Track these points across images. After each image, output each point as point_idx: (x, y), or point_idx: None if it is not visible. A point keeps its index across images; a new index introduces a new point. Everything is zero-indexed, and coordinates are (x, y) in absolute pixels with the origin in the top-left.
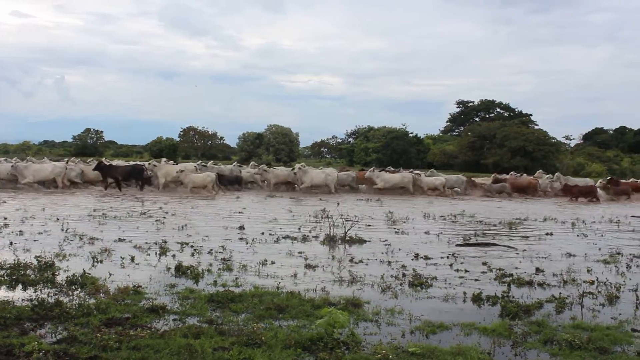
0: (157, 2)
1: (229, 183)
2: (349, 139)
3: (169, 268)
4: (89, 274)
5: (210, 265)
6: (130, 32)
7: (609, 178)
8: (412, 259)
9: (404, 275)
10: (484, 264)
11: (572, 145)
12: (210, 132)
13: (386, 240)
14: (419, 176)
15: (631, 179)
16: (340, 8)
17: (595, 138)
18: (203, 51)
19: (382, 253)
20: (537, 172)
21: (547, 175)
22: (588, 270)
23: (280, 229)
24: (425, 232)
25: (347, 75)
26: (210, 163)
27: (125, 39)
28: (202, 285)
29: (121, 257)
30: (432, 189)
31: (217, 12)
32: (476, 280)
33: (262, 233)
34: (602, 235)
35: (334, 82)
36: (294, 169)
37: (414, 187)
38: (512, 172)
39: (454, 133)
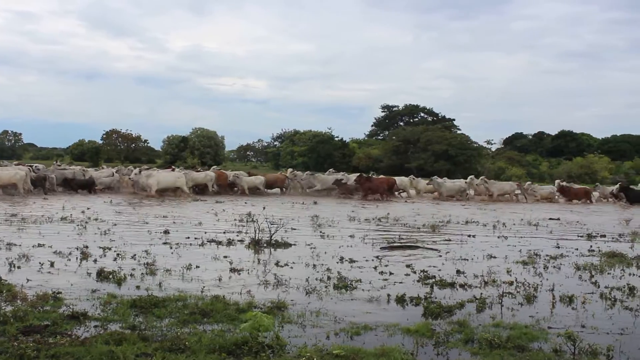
0: (79, 1)
1: (79, 187)
2: (275, 143)
3: (90, 273)
4: (6, 280)
5: (133, 270)
6: (51, 32)
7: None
8: (337, 262)
9: (329, 278)
10: (408, 266)
11: (493, 149)
12: (134, 135)
13: (312, 243)
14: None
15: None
16: (266, 11)
17: (515, 143)
18: (127, 52)
19: (308, 256)
20: (469, 177)
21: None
22: (508, 271)
23: (206, 233)
24: (351, 236)
25: (273, 79)
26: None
27: (47, 38)
28: (124, 291)
29: (40, 263)
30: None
31: (141, 13)
32: (400, 282)
33: (187, 237)
34: (521, 237)
35: (260, 85)
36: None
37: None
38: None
39: (379, 137)
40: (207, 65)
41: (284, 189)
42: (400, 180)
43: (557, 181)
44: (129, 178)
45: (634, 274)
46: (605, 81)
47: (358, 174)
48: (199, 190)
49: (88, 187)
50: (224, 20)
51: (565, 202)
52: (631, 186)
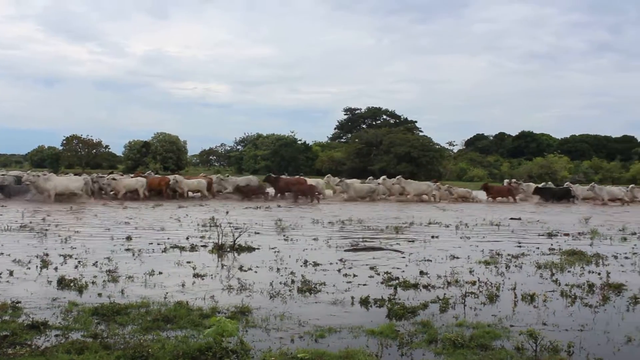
0: (37, 5)
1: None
2: (238, 147)
3: (51, 282)
4: None
5: (95, 277)
6: (9, 37)
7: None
8: (301, 266)
9: (293, 281)
10: (372, 268)
11: (455, 151)
12: (94, 141)
13: (275, 247)
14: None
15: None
16: (228, 15)
17: (477, 144)
18: (87, 57)
19: (272, 260)
20: (382, 177)
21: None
22: (470, 272)
23: (168, 238)
24: (314, 239)
25: (235, 83)
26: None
27: (4, 43)
28: (86, 298)
29: None
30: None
31: (101, 18)
32: (364, 284)
33: (150, 243)
34: (483, 237)
35: (222, 89)
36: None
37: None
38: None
39: (342, 140)
40: (168, 69)
41: (208, 193)
42: (316, 181)
43: (505, 180)
44: (27, 182)
45: (593, 272)
46: (565, 82)
47: (267, 175)
48: (131, 195)
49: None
50: (185, 24)
51: (490, 200)
52: (547, 185)
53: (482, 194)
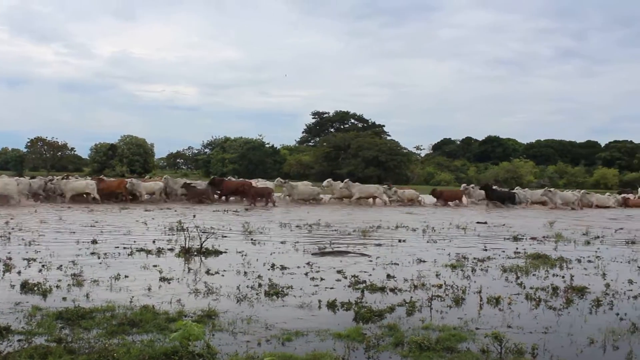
0: (2, 4)
1: None
2: (206, 150)
3: (14, 285)
4: None
5: (60, 281)
6: None
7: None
8: (269, 269)
9: (260, 285)
10: (339, 271)
11: (422, 155)
12: (60, 143)
13: (243, 251)
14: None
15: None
16: (197, 18)
17: (444, 148)
18: (52, 58)
19: (239, 264)
20: (326, 180)
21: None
22: (437, 275)
23: (135, 242)
24: (282, 242)
25: (203, 85)
26: None
27: None
28: (50, 302)
29: None
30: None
31: (67, 18)
32: (331, 288)
33: (116, 247)
34: (450, 241)
35: (190, 92)
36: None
37: None
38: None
39: (310, 143)
40: (136, 71)
41: (161, 195)
42: (263, 183)
43: (463, 185)
44: None
45: (557, 275)
46: (531, 88)
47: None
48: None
49: None
50: (152, 26)
51: (440, 205)
52: (494, 187)
53: (430, 198)
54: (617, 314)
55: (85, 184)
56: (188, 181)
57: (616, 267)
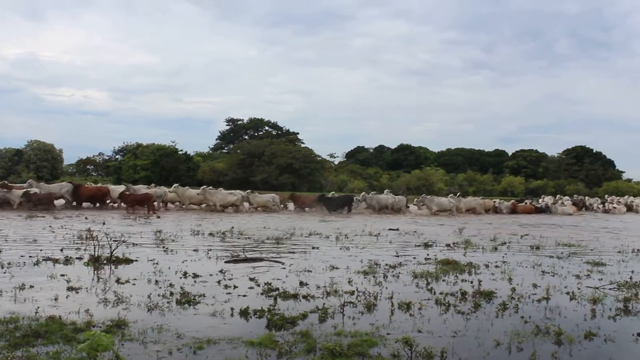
0: None
1: None
2: (117, 156)
3: None
4: None
5: None
6: None
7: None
8: (181, 277)
9: (171, 293)
10: (252, 279)
11: (336, 162)
12: None
13: (154, 259)
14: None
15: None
16: (107, 20)
17: (357, 156)
18: None
19: (150, 272)
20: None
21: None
22: (349, 282)
23: (42, 250)
24: (194, 250)
25: (115, 90)
26: None
27: None
28: None
29: None
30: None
31: None
32: (244, 295)
33: (22, 256)
34: (362, 248)
35: (100, 96)
36: None
37: None
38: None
39: (224, 151)
40: (43, 74)
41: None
42: (113, 189)
43: (363, 193)
44: None
45: (466, 280)
46: (441, 98)
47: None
48: None
49: None
50: (61, 28)
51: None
52: (329, 195)
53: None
54: (522, 317)
55: None
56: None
57: (522, 271)
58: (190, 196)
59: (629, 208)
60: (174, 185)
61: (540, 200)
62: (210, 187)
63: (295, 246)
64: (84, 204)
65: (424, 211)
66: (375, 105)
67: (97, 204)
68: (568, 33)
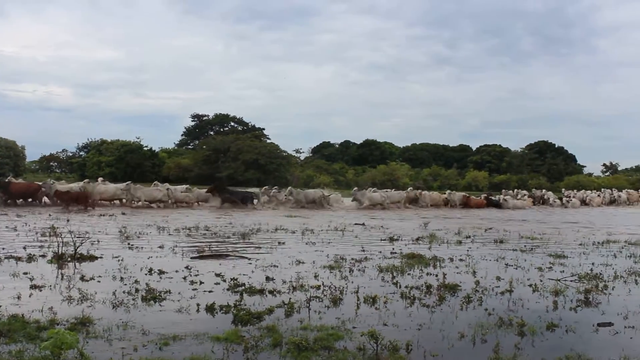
0: None
1: None
2: (81, 153)
3: None
4: None
5: None
6: None
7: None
8: (146, 274)
9: (137, 290)
10: (218, 275)
11: (302, 158)
12: None
13: (119, 256)
14: None
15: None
16: (70, 15)
17: (323, 151)
18: None
19: (115, 269)
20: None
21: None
22: (315, 276)
23: (3, 248)
24: (160, 246)
25: (78, 86)
26: None
27: None
28: None
29: None
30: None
31: None
32: (210, 291)
33: None
34: (328, 243)
35: (64, 92)
36: None
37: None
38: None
39: (189, 146)
40: (4, 70)
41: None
42: (70, 187)
43: (289, 187)
44: None
45: (431, 274)
46: (406, 93)
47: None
48: None
49: None
50: (22, 23)
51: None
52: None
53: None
54: (486, 309)
55: None
56: None
57: (485, 265)
58: (100, 192)
59: (584, 202)
60: (84, 181)
61: (501, 194)
62: (90, 180)
63: (262, 241)
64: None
65: (354, 205)
66: (341, 100)
67: (30, 200)
68: (530, 30)
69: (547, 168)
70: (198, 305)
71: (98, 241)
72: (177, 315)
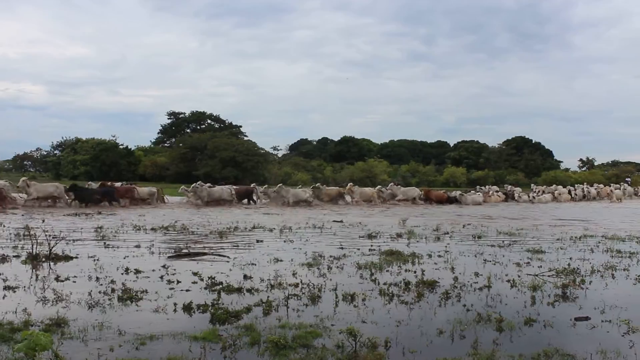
0: None
1: None
2: (55, 152)
3: None
4: None
5: None
6: None
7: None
8: (123, 273)
9: (113, 290)
10: (195, 274)
11: (279, 155)
12: None
13: (95, 255)
14: None
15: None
16: (41, 12)
17: (301, 148)
18: None
19: (91, 269)
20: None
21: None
22: (293, 274)
23: None
24: (137, 246)
25: (51, 84)
26: None
27: None
28: None
29: None
30: None
31: None
32: (187, 290)
33: None
34: (306, 240)
35: (36, 90)
36: None
37: None
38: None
39: (166, 144)
40: None
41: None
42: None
43: (194, 184)
44: None
45: (409, 270)
46: (382, 90)
47: None
48: None
49: None
50: None
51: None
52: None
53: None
54: (464, 305)
55: None
56: None
57: (464, 260)
58: (38, 189)
59: (555, 197)
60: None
61: (477, 190)
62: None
63: (239, 240)
64: None
65: (279, 201)
66: (318, 97)
67: None
68: (506, 27)
69: (524, 164)
70: (175, 304)
71: (73, 241)
72: (154, 315)
